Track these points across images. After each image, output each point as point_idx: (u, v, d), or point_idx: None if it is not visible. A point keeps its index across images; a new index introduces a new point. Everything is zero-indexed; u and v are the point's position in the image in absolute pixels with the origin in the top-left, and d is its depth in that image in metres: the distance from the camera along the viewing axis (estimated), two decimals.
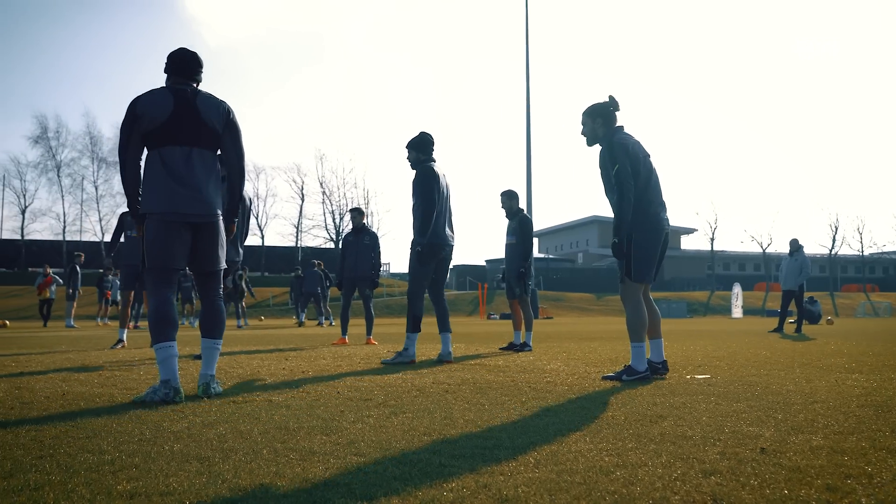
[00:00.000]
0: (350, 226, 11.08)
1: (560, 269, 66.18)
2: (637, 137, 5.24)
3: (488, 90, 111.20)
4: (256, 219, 62.95)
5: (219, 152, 4.35)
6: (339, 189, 65.54)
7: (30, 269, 51.52)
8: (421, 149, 6.83)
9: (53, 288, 22.35)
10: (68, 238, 57.55)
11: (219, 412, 3.56)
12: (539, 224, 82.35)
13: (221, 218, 4.32)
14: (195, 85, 4.34)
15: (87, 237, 58.26)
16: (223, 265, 4.40)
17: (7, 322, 22.92)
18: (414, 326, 6.78)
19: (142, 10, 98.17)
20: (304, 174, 66.36)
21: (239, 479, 2.17)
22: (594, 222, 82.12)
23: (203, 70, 4.43)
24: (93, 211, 59.24)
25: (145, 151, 4.21)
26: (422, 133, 6.89)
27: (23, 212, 57.77)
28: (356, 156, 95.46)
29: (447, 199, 6.87)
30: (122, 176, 4.16)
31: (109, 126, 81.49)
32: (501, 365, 6.29)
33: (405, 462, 2.41)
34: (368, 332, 10.64)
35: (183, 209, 4.10)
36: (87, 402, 3.95)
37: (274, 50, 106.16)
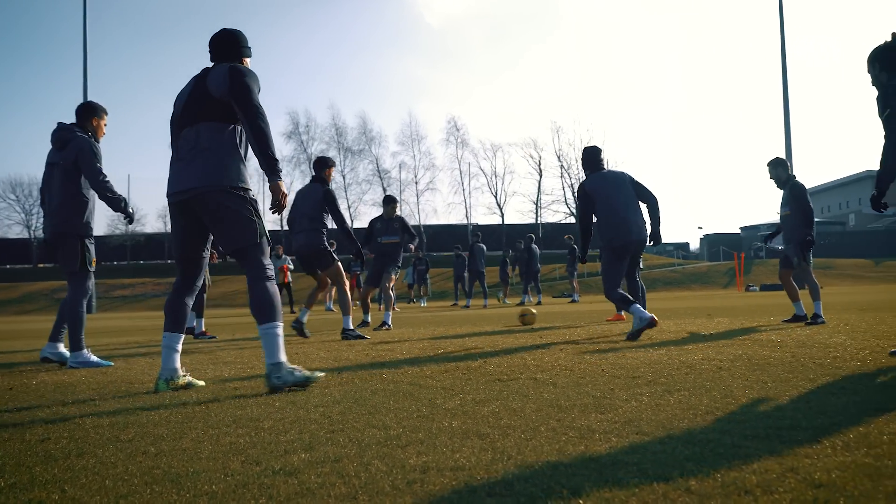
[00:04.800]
0: None
1: (828, 234, 60.43)
2: None
3: (736, 36, 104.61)
4: (495, 197, 63.68)
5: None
6: (577, 161, 64.51)
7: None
8: (587, 166, 7.54)
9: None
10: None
11: (487, 390, 3.60)
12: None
13: (226, 191, 3.94)
14: (238, 63, 4.15)
15: (332, 224, 61.28)
16: (247, 243, 3.99)
17: None
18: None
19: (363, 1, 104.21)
20: (541, 149, 65.61)
21: (523, 456, 2.15)
22: (868, 178, 74.02)
23: (239, 46, 4.21)
24: (341, 199, 61.84)
25: None
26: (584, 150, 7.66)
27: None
28: (594, 125, 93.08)
29: (619, 194, 7.21)
30: None
31: (353, 116, 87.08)
32: (776, 340, 5.83)
33: (693, 442, 2.26)
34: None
35: (171, 189, 4.06)
36: (359, 380, 4.18)
37: (500, 20, 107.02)
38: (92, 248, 5.78)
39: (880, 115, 4.47)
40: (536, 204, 64.31)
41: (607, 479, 1.87)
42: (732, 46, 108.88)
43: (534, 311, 9.61)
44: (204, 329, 9.42)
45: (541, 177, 64.38)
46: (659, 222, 7.27)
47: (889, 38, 4.65)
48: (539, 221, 62.94)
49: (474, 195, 65.89)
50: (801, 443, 2.20)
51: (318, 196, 8.24)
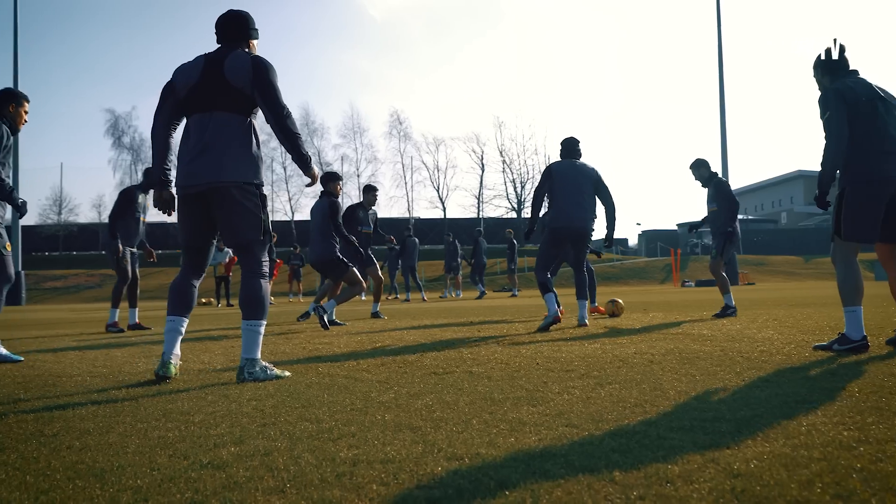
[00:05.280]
0: None
1: (761, 231, 62.19)
2: (872, 81, 4.73)
3: (675, 37, 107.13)
4: (437, 191, 63.73)
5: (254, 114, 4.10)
6: (519, 157, 65.53)
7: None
8: (562, 154, 7.73)
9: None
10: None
11: (422, 383, 3.62)
12: (737, 182, 78.13)
13: (242, 186, 3.95)
14: (245, 46, 4.16)
15: (278, 217, 59.25)
16: (251, 238, 4.02)
17: (213, 300, 24.65)
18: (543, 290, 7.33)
19: None
20: (484, 143, 66.12)
21: (454, 449, 2.17)
22: (799, 177, 76.56)
23: (248, 27, 4.18)
24: (282, 191, 60.47)
25: (184, 121, 4.15)
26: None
27: None
28: (536, 122, 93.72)
29: (575, 183, 7.40)
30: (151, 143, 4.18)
31: (296, 107, 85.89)
32: (707, 334, 5.99)
33: (621, 434, 2.31)
34: None
35: (185, 181, 3.99)
36: (298, 374, 4.15)
37: (442, 13, 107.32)
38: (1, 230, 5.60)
39: (821, 117, 4.63)
40: (478, 198, 64.52)
41: (535, 471, 1.90)
42: (671, 45, 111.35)
43: (620, 300, 9.41)
44: (138, 320, 9.26)
45: (483, 171, 64.65)
46: (613, 228, 7.62)
47: (830, 45, 4.85)
48: (481, 216, 63.15)
49: (416, 189, 65.83)
50: (724, 434, 2.27)
51: (325, 208, 8.70)
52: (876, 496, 1.63)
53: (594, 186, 7.48)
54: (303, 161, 4.12)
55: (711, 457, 1.99)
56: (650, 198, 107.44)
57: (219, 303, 22.13)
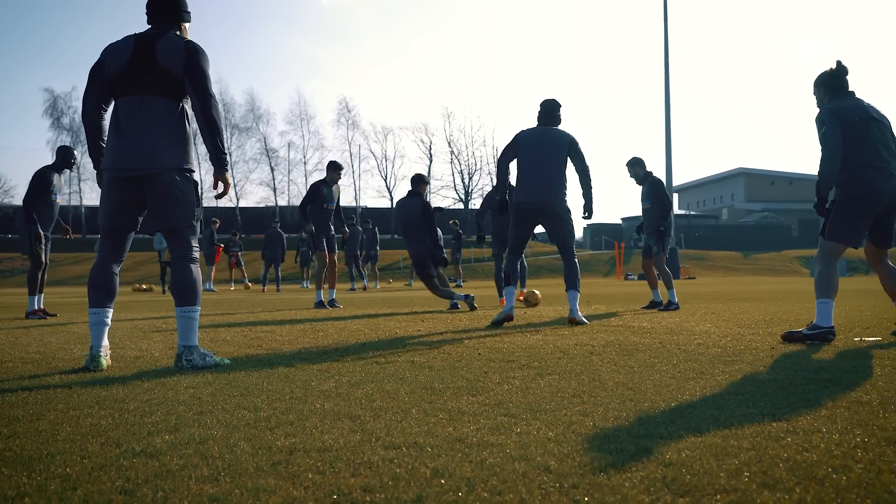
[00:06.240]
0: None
1: (702, 227, 63.41)
2: (868, 101, 5.05)
3: (622, 34, 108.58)
4: (385, 180, 63.50)
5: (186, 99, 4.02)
6: (467, 148, 65.89)
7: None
8: (539, 120, 7.08)
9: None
10: (203, 204, 58.15)
11: (363, 372, 3.61)
12: (680, 178, 79.49)
13: (177, 171, 3.91)
14: (176, 28, 4.08)
15: (223, 203, 57.84)
16: (183, 224, 3.98)
17: (153, 287, 24.24)
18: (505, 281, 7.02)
19: None
20: (432, 134, 66.43)
21: (392, 438, 2.17)
22: (741, 175, 78.13)
23: (179, 10, 4.10)
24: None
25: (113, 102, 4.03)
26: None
27: None
28: (484, 113, 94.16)
29: (541, 153, 6.72)
30: (83, 126, 4.09)
31: (241, 93, 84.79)
32: (647, 327, 6.10)
33: (557, 424, 2.33)
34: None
35: (118, 164, 3.88)
36: (237, 362, 4.11)
37: (393, 1, 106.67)
38: None
39: (818, 132, 4.94)
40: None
41: (471, 460, 1.91)
42: (618, 41, 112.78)
43: (537, 292, 9.91)
44: (43, 307, 9.08)
45: (431, 162, 64.71)
46: (589, 197, 6.95)
47: (833, 66, 5.11)
48: None
49: (364, 178, 65.80)
50: (658, 424, 2.31)
51: (417, 209, 9.30)
52: (800, 485, 1.68)
53: (567, 154, 6.77)
54: (219, 155, 4.01)
55: (645, 446, 2.02)
56: (596, 192, 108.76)
57: (164, 290, 21.68)
